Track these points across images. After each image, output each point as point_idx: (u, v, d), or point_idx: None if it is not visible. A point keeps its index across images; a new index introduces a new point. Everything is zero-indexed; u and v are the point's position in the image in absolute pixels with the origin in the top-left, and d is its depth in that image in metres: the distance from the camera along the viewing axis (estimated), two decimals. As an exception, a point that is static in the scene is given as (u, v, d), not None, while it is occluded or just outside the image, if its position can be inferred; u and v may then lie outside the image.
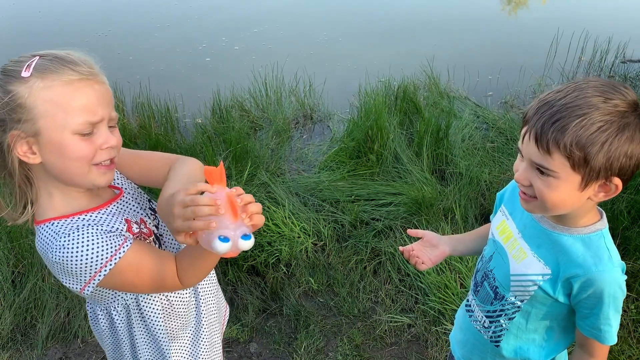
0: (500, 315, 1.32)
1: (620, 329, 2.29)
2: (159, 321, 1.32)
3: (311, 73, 4.87)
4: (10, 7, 7.48)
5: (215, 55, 5.79)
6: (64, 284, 1.12)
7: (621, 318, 1.23)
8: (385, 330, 2.47)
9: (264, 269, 2.77)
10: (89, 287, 1.10)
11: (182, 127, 4.25)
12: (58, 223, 1.11)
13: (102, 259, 1.08)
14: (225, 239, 0.94)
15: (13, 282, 2.66)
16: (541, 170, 1.08)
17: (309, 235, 2.94)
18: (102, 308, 1.30)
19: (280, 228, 2.90)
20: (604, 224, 1.18)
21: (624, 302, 1.21)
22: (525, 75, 4.91)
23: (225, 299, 2.66)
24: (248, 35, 6.35)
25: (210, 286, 1.46)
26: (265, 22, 6.73)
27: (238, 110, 4.38)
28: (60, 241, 1.08)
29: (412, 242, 1.53)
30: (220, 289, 1.63)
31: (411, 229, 1.56)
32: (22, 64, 1.05)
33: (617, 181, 1.06)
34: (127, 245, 1.12)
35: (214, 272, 1.59)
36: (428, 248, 1.50)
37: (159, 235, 1.30)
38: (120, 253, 1.10)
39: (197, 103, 4.46)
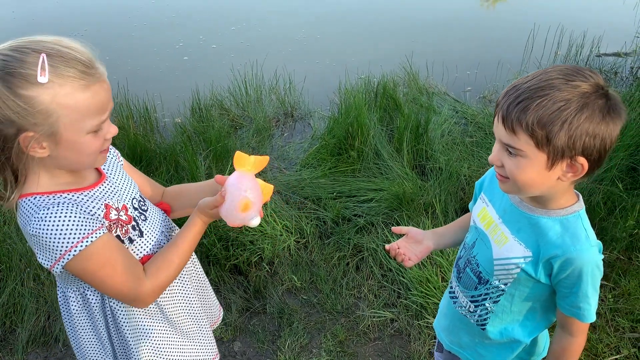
0: (485, 299, 1.37)
1: (598, 318, 2.35)
2: (121, 312, 1.32)
3: (291, 71, 4.87)
4: (-17, 7, 7.34)
5: (193, 54, 5.75)
6: (38, 259, 1.14)
7: (599, 307, 1.27)
8: (369, 326, 2.48)
9: (246, 267, 2.77)
10: (58, 264, 1.12)
11: (162, 127, 4.22)
12: (40, 197, 1.14)
13: (75, 237, 1.10)
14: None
15: (-9, 287, 2.62)
16: (510, 151, 1.14)
17: (292, 233, 2.94)
18: (75, 289, 1.29)
19: (262, 226, 2.90)
20: (581, 206, 1.23)
21: (601, 291, 1.25)
22: (503, 69, 4.97)
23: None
24: (226, 33, 6.31)
25: (185, 284, 1.46)
26: (242, 20, 6.69)
27: (218, 109, 4.36)
28: (39, 214, 1.10)
29: (396, 239, 1.55)
30: (211, 292, 1.64)
31: (395, 226, 1.59)
32: (30, 64, 1.02)
33: (582, 160, 1.11)
34: (100, 232, 1.14)
35: (202, 271, 1.59)
36: (413, 244, 1.53)
37: (139, 223, 1.31)
38: (92, 237, 1.12)
39: (176, 102, 4.42)
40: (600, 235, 2.68)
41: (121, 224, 1.24)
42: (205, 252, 2.76)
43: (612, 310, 2.44)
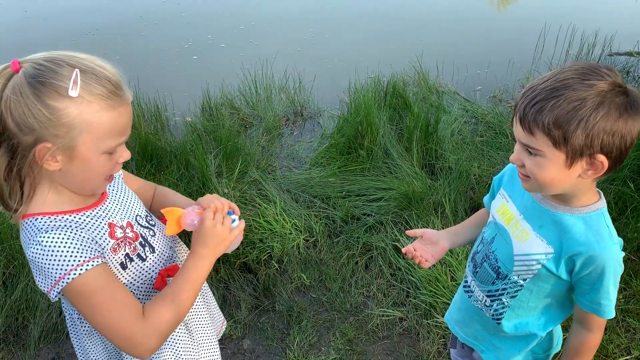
0: (502, 294, 1.38)
1: (608, 319, 2.34)
2: None
3: (300, 70, 4.88)
4: (-4, 7, 7.42)
5: (202, 53, 5.77)
6: (36, 283, 1.11)
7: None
8: (378, 324, 2.49)
9: (256, 265, 2.78)
10: (54, 290, 1.08)
11: (172, 126, 4.24)
12: (42, 219, 1.11)
13: (72, 262, 1.07)
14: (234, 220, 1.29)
15: (4, 284, 2.65)
16: (529, 151, 1.15)
17: (301, 232, 2.95)
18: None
19: (271, 225, 2.91)
20: (603, 204, 1.24)
21: (613, 292, 1.25)
22: (513, 69, 4.94)
23: (218, 297, 2.68)
24: (234, 32, 6.33)
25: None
26: (250, 19, 6.71)
27: (228, 108, 4.37)
28: (39, 237, 1.07)
29: (406, 239, 1.56)
30: (213, 300, 1.61)
31: (406, 227, 1.59)
32: (62, 77, 1.02)
33: (602, 158, 1.11)
34: (99, 261, 1.11)
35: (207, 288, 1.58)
36: (429, 245, 1.55)
37: (147, 239, 1.28)
38: (90, 264, 1.08)
39: (187, 101, 4.45)
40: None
41: (129, 242, 1.21)
42: (215, 250, 2.77)
43: (623, 311, 2.43)
